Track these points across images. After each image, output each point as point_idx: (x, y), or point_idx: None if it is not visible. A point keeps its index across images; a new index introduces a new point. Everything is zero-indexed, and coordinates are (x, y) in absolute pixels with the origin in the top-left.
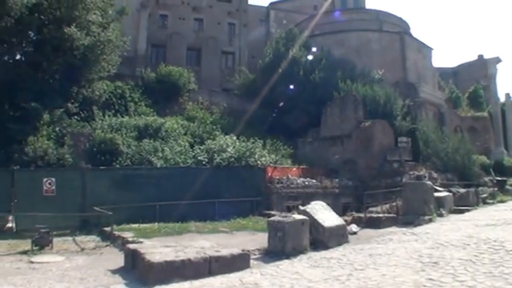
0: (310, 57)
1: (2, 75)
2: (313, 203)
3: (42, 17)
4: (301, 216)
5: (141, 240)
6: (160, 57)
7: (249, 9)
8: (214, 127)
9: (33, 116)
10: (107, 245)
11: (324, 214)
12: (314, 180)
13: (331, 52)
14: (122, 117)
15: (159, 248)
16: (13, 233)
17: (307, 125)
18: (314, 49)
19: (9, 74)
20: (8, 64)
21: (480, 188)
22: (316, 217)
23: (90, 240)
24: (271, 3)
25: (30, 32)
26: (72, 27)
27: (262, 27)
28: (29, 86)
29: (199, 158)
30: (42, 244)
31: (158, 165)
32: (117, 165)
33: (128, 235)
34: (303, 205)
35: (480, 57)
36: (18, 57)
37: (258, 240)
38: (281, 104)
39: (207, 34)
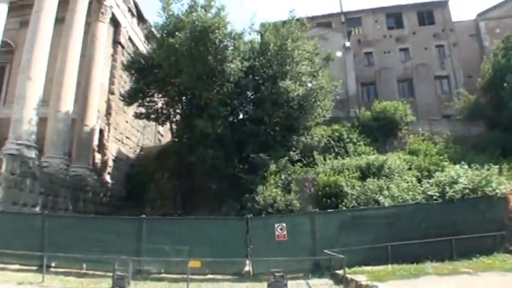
0: None
1: (230, 134)
2: None
3: (256, 77)
4: None
5: (375, 283)
6: (371, 95)
7: (455, 27)
8: (440, 158)
9: (260, 167)
10: None
11: None
12: None
13: None
14: (343, 159)
15: None
16: (251, 277)
17: None
18: None
19: (236, 132)
20: (234, 124)
21: None
22: None
23: (323, 284)
24: (478, 15)
25: (248, 93)
26: (286, 80)
27: (474, 42)
28: (253, 140)
29: (428, 192)
30: (277, 287)
31: (386, 204)
32: (343, 207)
33: (361, 278)
34: None
35: None
36: (241, 116)
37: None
38: None
39: (416, 62)
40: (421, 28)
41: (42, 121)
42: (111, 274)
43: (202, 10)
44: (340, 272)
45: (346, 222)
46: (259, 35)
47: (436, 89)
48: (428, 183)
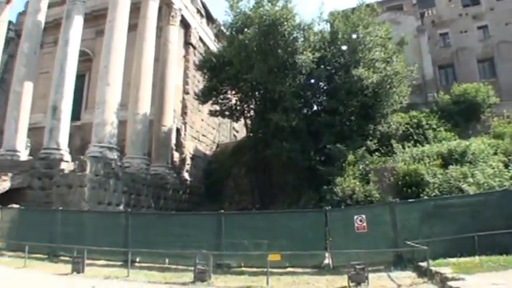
0: None
1: (305, 126)
2: None
3: (328, 67)
4: None
5: (462, 276)
6: (449, 78)
7: None
8: None
9: (337, 158)
10: (424, 282)
11: None
12: None
13: None
14: (422, 146)
15: (485, 287)
16: (330, 270)
17: None
18: None
19: (310, 124)
20: (308, 116)
21: None
22: None
23: (406, 276)
24: None
25: (320, 83)
26: (359, 68)
27: None
28: (329, 131)
29: None
30: (358, 280)
31: (470, 192)
32: (425, 197)
33: (447, 271)
34: None
35: None
36: (315, 108)
37: None
38: None
39: (496, 40)
40: (499, 3)
41: (121, 124)
42: (192, 268)
43: (269, 4)
44: (424, 264)
45: (428, 212)
46: (328, 24)
47: None
48: None
